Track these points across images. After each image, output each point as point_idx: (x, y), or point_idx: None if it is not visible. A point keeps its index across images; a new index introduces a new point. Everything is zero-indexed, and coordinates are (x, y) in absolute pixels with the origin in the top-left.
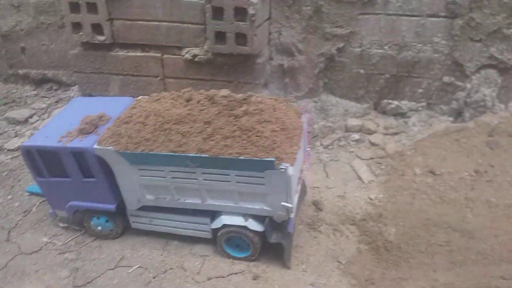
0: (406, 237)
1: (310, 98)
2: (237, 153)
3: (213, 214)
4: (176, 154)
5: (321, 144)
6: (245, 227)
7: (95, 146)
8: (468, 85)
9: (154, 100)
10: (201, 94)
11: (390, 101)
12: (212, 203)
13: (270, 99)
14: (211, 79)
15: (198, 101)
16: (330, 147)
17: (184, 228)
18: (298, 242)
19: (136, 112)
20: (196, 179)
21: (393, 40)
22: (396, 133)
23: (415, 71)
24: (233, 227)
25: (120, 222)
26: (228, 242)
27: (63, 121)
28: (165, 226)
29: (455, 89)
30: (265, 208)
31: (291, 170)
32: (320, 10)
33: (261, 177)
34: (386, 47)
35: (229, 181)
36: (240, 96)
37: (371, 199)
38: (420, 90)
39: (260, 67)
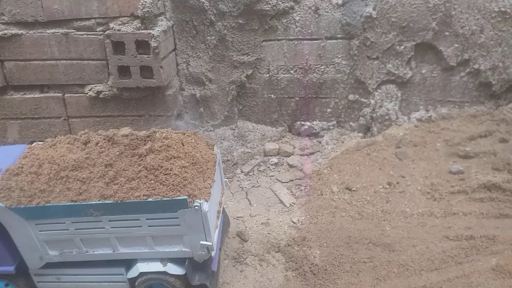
0: (331, 258)
1: (227, 125)
2: (144, 195)
3: (128, 263)
4: (76, 203)
5: (242, 171)
6: (164, 273)
7: None
8: (372, 101)
9: (48, 146)
10: (100, 135)
11: (302, 122)
12: (125, 251)
13: (176, 133)
14: (120, 114)
15: (97, 143)
16: (250, 173)
17: (98, 282)
18: (225, 279)
19: (28, 161)
20: (103, 227)
21: (298, 64)
22: (311, 153)
23: (322, 92)
24: (152, 274)
25: (23, 284)
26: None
27: None
28: (75, 282)
29: (361, 105)
30: (183, 249)
31: (206, 206)
32: (224, 39)
33: (175, 218)
34: (292, 71)
35: (140, 226)
36: (143, 133)
37: (294, 222)
38: (329, 110)
39: (170, 98)
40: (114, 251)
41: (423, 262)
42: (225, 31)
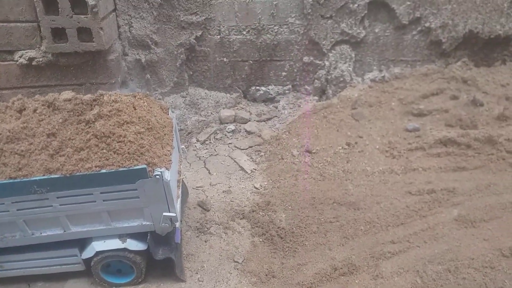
0: (297, 220)
1: (177, 93)
2: (97, 166)
3: (82, 242)
4: (15, 180)
5: (198, 140)
6: (124, 249)
7: None
8: (327, 63)
9: (19, 109)
10: (37, 101)
11: (258, 87)
12: (78, 230)
13: (126, 96)
14: (57, 84)
15: (34, 110)
16: (207, 141)
17: (48, 266)
18: (189, 251)
19: None
20: (50, 206)
21: (250, 24)
22: (269, 119)
23: (276, 54)
24: (109, 252)
25: None
26: (107, 269)
27: None
28: (22, 268)
29: (316, 68)
30: (144, 223)
31: (167, 175)
32: None
33: (133, 190)
34: (244, 32)
35: (94, 201)
36: (88, 97)
37: (256, 188)
38: (284, 73)
39: (113, 64)
40: (65, 231)
41: (389, 218)
42: None
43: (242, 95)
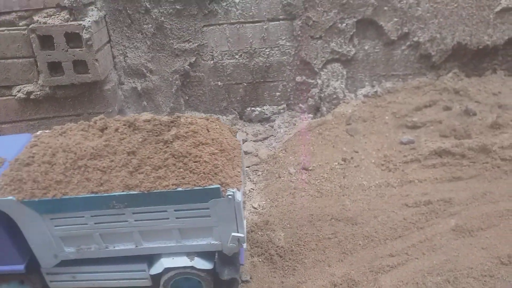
0: (295, 238)
1: None
2: (174, 184)
3: (150, 258)
4: (97, 195)
5: None
6: (191, 267)
7: None
8: (319, 81)
9: (58, 134)
10: (118, 120)
11: (253, 108)
12: (149, 246)
13: (201, 119)
14: (55, 115)
15: (116, 129)
16: None
17: (117, 279)
18: None
19: (39, 150)
20: (125, 221)
21: (242, 49)
22: (265, 138)
23: (269, 75)
24: (177, 270)
25: (38, 281)
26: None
27: None
28: (93, 280)
29: (309, 86)
30: (212, 242)
31: (239, 196)
32: (162, 26)
33: (205, 208)
34: (237, 56)
35: (167, 218)
36: (166, 118)
37: (254, 208)
38: (278, 93)
39: (109, 94)
40: (136, 246)
41: (387, 231)
42: (162, 18)
43: (238, 116)
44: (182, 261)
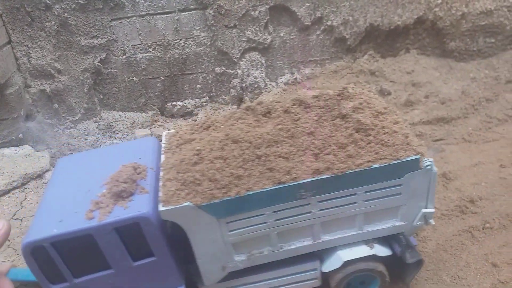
0: None
1: (89, 119)
2: (369, 161)
3: (322, 255)
4: (284, 185)
5: None
6: (372, 256)
7: (162, 208)
8: (239, 71)
9: (204, 128)
10: (279, 102)
11: (174, 103)
12: (328, 239)
13: (363, 88)
14: None
15: (285, 111)
16: None
17: (283, 285)
18: None
19: (197, 146)
20: (309, 212)
21: (155, 41)
22: None
23: (187, 68)
24: (357, 261)
25: None
26: (351, 283)
27: (65, 193)
28: None
29: (229, 77)
30: (397, 224)
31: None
32: (66, 23)
33: (397, 185)
34: (150, 50)
35: (355, 203)
36: (332, 92)
37: None
38: (199, 86)
39: (13, 98)
40: (314, 241)
41: None
42: (66, 14)
43: (159, 112)
44: (361, 251)
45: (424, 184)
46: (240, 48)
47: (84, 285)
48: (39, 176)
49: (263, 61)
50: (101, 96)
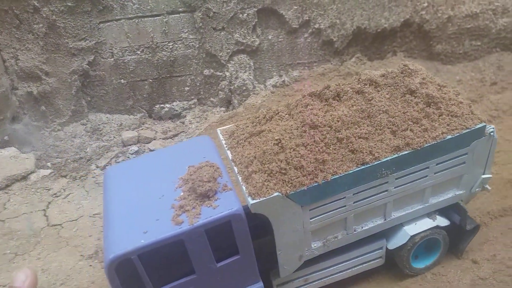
0: None
1: (76, 121)
2: (443, 133)
3: (387, 233)
4: (368, 165)
5: (97, 167)
6: (435, 228)
7: (252, 201)
8: (228, 74)
9: (266, 121)
10: (349, 84)
11: (162, 105)
12: (396, 215)
13: (413, 64)
14: None
15: (358, 92)
16: (108, 166)
17: (351, 268)
18: None
19: (275, 136)
20: (385, 191)
21: (144, 44)
22: (175, 135)
23: (176, 70)
24: (422, 234)
25: None
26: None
27: (132, 203)
28: (324, 278)
29: (218, 80)
30: (457, 193)
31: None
32: (55, 25)
33: (463, 155)
34: (139, 52)
35: (425, 176)
36: (397, 69)
37: None
38: (187, 88)
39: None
40: (385, 220)
41: None
42: (54, 16)
43: (147, 114)
44: (426, 224)
45: (485, 151)
46: (229, 50)
47: None
48: (24, 178)
49: (251, 64)
50: (89, 99)
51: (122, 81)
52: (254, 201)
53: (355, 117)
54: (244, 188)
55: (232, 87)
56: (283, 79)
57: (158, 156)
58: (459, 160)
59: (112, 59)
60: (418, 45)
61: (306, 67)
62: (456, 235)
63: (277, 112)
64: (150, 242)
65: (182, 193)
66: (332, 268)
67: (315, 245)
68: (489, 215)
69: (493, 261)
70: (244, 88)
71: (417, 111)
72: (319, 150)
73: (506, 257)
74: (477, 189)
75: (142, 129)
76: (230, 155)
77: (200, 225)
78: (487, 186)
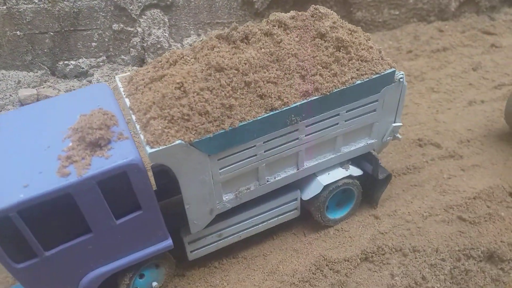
0: None
1: None
2: (353, 78)
3: (301, 184)
4: (276, 111)
5: None
6: (348, 177)
7: (150, 150)
8: (140, 29)
9: (169, 65)
10: (258, 25)
11: (66, 62)
12: (310, 165)
13: (327, 9)
14: None
15: (266, 34)
16: None
17: (265, 221)
18: None
19: (176, 80)
20: (295, 139)
21: None
22: None
23: (80, 23)
24: (335, 184)
25: (173, 262)
26: (328, 205)
27: (16, 154)
28: (239, 232)
29: (129, 36)
30: (369, 142)
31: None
32: None
33: (373, 102)
34: (36, 1)
35: (337, 124)
36: (307, 12)
37: None
38: (94, 44)
39: None
40: (298, 169)
41: None
42: None
43: (49, 72)
44: (339, 173)
45: (395, 98)
46: (140, 4)
47: (56, 257)
48: None
49: (166, 20)
50: None
51: (18, 33)
52: (153, 150)
53: (264, 60)
54: (142, 136)
55: (145, 45)
56: (201, 38)
57: (50, 104)
58: (369, 107)
59: (5, 7)
60: (339, 11)
61: (225, 27)
62: (370, 185)
63: (181, 55)
64: (30, 196)
65: (71, 144)
66: (247, 221)
67: (226, 197)
68: (394, 172)
69: (393, 216)
70: (159, 46)
71: (327, 55)
72: (225, 94)
73: (406, 212)
74: (388, 138)
75: (43, 87)
76: (128, 102)
77: (90, 176)
78: (398, 135)
